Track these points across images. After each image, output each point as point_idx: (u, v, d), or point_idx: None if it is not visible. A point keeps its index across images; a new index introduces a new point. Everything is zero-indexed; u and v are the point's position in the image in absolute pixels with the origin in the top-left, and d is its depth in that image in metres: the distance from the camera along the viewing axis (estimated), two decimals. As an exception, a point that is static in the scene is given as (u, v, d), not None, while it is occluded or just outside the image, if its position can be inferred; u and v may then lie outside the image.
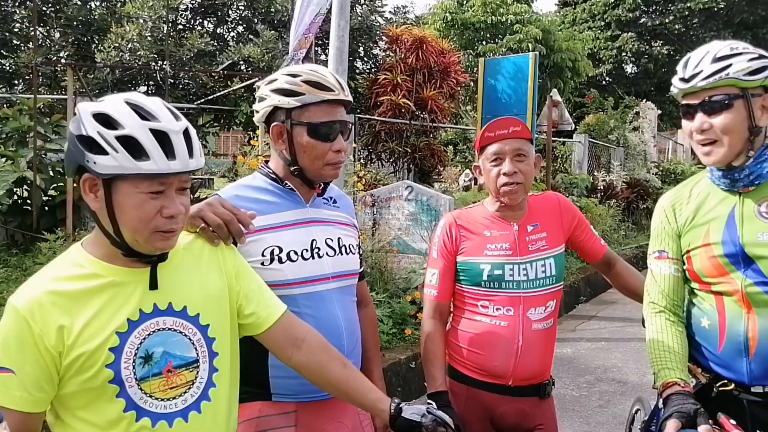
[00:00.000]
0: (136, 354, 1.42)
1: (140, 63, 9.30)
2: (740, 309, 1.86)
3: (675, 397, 1.78)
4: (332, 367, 1.69)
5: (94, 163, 1.34)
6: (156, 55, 9.61)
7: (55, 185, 7.24)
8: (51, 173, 7.20)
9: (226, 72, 9.80)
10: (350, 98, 1.96)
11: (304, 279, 1.93)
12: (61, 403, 1.44)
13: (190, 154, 1.41)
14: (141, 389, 1.42)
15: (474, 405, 2.30)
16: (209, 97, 9.78)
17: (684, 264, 2.00)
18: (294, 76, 1.90)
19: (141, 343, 1.43)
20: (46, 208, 7.20)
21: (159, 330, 1.46)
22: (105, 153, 1.33)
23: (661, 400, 1.86)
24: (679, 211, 2.02)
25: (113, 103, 1.40)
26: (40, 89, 9.26)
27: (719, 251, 1.89)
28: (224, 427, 1.59)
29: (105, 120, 1.36)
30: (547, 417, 2.36)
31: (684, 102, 1.92)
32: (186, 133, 1.42)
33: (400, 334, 5.54)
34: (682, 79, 1.89)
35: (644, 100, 18.68)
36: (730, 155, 1.86)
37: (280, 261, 1.91)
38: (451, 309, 2.43)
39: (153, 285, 1.47)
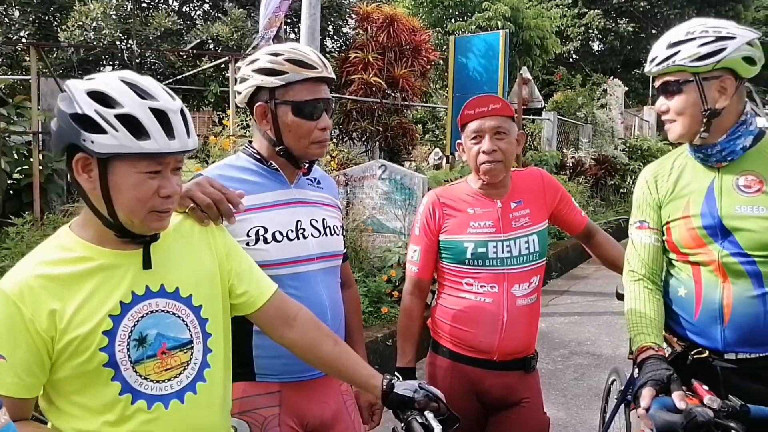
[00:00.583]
0: (129, 336, 1.41)
1: (105, 42, 9.08)
2: (716, 279, 1.92)
3: (649, 362, 1.83)
4: (324, 344, 1.70)
5: (92, 142, 1.31)
6: (121, 34, 9.40)
7: (19, 168, 7.08)
8: (15, 156, 7.03)
9: (194, 51, 9.63)
10: (333, 75, 1.96)
11: (289, 259, 1.93)
12: (54, 388, 1.42)
13: (188, 133, 1.40)
14: (136, 372, 1.42)
15: (459, 380, 2.33)
16: (177, 77, 9.61)
17: (663, 234, 2.06)
18: (276, 55, 1.89)
19: (134, 325, 1.42)
20: (12, 192, 7.04)
21: (152, 312, 1.45)
22: (104, 132, 1.31)
23: (636, 367, 1.90)
24: (660, 183, 2.07)
25: (107, 81, 1.37)
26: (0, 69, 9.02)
27: (698, 223, 1.94)
28: (220, 406, 1.59)
29: (101, 98, 1.34)
30: (533, 390, 2.40)
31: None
32: (182, 112, 1.41)
33: (377, 313, 5.57)
34: (648, 63, 1.98)
35: (611, 77, 18.84)
36: (687, 134, 1.95)
37: (266, 241, 1.90)
38: (433, 286, 2.45)
39: (147, 264, 1.46)
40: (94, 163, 1.35)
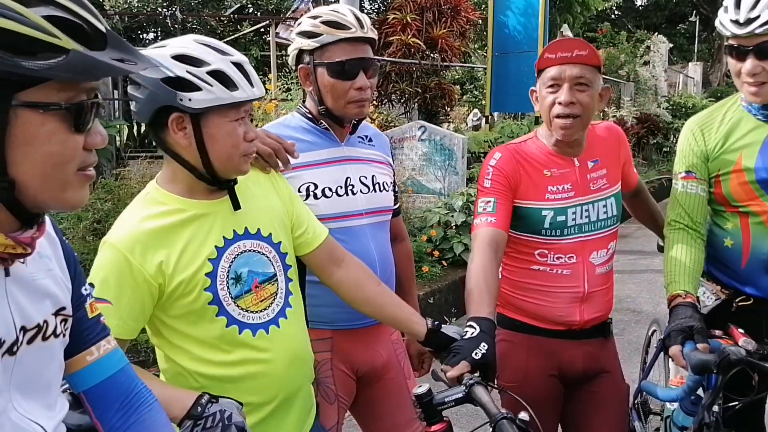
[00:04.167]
0: (227, 276, 1.58)
1: (148, 9, 9.23)
2: (765, 229, 1.96)
3: (678, 309, 1.89)
4: (370, 284, 1.83)
5: (189, 100, 1.45)
6: (163, 1, 9.53)
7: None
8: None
9: (235, 16, 9.70)
10: (371, 35, 1.99)
11: (337, 214, 2.02)
12: (169, 327, 1.59)
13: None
14: (238, 306, 1.59)
15: (537, 354, 2.14)
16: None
17: (711, 187, 2.07)
18: (315, 18, 1.97)
19: (230, 265, 1.59)
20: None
21: (242, 252, 1.61)
22: (198, 89, 1.45)
23: (669, 314, 1.95)
24: (708, 135, 2.07)
25: (185, 45, 1.51)
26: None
27: (752, 177, 1.97)
28: (304, 329, 1.78)
29: (187, 60, 1.47)
30: (612, 358, 2.26)
31: (732, 42, 1.93)
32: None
33: (418, 272, 5.65)
34: (736, 23, 1.88)
35: (656, 34, 18.36)
36: None
37: (316, 197, 2.00)
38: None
39: (236, 206, 1.63)
40: (188, 120, 1.49)
